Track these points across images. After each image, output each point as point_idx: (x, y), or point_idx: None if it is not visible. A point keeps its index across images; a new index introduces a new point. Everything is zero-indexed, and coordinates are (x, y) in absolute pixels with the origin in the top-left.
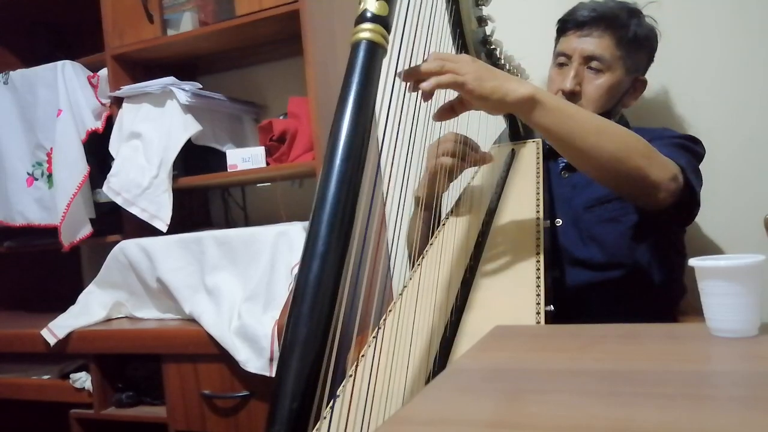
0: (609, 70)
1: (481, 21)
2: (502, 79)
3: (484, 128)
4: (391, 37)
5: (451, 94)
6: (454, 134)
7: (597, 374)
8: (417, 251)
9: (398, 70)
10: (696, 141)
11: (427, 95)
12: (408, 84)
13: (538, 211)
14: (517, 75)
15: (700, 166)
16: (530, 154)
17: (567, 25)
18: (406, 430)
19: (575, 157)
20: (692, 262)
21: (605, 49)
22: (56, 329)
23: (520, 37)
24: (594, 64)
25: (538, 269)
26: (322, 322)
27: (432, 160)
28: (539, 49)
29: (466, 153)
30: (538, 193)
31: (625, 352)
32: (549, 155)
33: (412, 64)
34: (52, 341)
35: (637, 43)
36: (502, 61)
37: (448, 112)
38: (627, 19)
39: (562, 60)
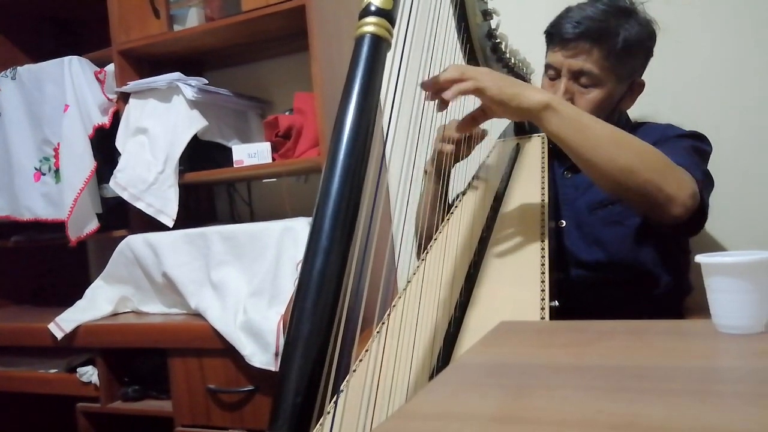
0: (600, 83)
1: (486, 14)
2: (519, 87)
3: (488, 121)
4: (395, 31)
5: (467, 105)
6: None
7: (602, 370)
8: (425, 226)
9: (418, 81)
10: (702, 138)
11: (443, 105)
12: (417, 82)
13: (543, 206)
14: (523, 68)
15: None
16: (535, 149)
17: (553, 39)
18: (410, 424)
19: (588, 167)
20: (698, 258)
21: (594, 63)
22: (63, 323)
23: (525, 31)
24: (583, 80)
25: (543, 265)
26: (326, 317)
27: (437, 144)
28: (544, 43)
29: (468, 137)
30: (543, 188)
31: (631, 347)
32: (552, 155)
33: (417, 59)
34: (59, 335)
35: (628, 50)
36: (507, 55)
37: (470, 123)
38: (615, 27)
39: (551, 74)
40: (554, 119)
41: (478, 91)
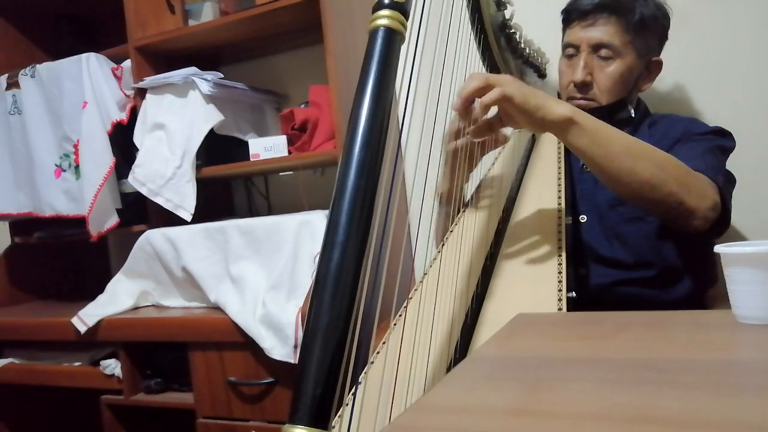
0: (619, 56)
1: (500, 5)
2: (543, 98)
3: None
4: (409, 24)
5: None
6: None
7: (619, 362)
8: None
9: (432, 74)
10: (725, 134)
11: (468, 112)
12: (432, 75)
13: (559, 198)
14: (538, 58)
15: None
16: (551, 140)
17: (571, 15)
18: (427, 417)
19: (609, 179)
20: (718, 248)
21: (613, 35)
22: (86, 317)
23: (540, 21)
24: (603, 52)
25: (560, 256)
26: (344, 309)
27: (449, 145)
28: (559, 33)
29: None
30: (559, 179)
31: (648, 340)
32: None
33: (431, 52)
34: (82, 329)
35: (644, 25)
36: (522, 45)
37: (486, 129)
38: (631, 1)
39: (570, 51)
40: (576, 132)
41: (504, 99)
